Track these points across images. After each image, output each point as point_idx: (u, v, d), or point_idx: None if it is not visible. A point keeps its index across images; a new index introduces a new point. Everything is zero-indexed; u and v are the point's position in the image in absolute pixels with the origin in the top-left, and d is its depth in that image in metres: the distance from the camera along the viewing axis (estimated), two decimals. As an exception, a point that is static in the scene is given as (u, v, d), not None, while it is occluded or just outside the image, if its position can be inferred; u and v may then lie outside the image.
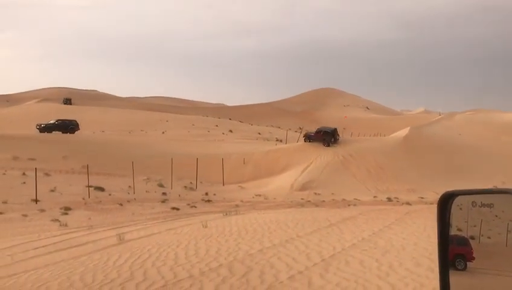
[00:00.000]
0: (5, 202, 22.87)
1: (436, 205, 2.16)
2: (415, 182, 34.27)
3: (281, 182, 34.81)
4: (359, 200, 27.63)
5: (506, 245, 2.00)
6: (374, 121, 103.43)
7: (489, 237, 2.07)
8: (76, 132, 49.98)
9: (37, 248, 11.51)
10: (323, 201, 27.29)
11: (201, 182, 33.70)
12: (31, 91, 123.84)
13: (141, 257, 8.99)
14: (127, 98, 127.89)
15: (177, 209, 22.93)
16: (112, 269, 8.20)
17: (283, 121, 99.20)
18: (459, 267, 2.11)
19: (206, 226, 12.90)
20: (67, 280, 7.64)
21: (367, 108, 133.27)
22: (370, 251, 8.77)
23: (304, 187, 33.02)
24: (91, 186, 27.56)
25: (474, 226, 2.11)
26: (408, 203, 24.66)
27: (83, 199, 25.20)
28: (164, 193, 29.10)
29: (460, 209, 2.14)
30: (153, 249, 9.82)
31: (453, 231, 2.14)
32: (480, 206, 2.08)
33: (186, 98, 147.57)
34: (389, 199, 28.49)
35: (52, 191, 26.47)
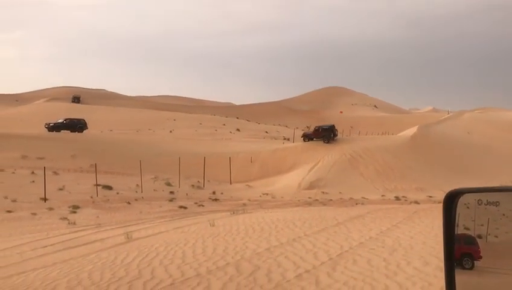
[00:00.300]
0: (14, 201, 23.08)
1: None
2: (423, 180, 34.09)
3: (289, 181, 34.79)
4: (367, 199, 27.54)
5: (514, 244, 1.99)
6: (382, 119, 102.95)
7: (496, 236, 2.06)
8: (84, 131, 50.25)
9: (45, 246, 11.60)
10: (331, 200, 27.23)
11: (208, 181, 33.76)
12: (39, 90, 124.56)
13: (149, 256, 9.03)
14: (135, 97, 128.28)
15: (185, 208, 23.00)
16: (120, 267, 8.25)
17: (290, 119, 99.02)
18: (466, 266, 2.10)
19: (213, 225, 12.93)
20: (75, 278, 7.69)
21: (375, 106, 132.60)
22: (378, 250, 8.74)
23: (311, 186, 32.97)
24: (99, 185, 27.71)
25: (482, 225, 2.09)
26: (416, 202, 24.55)
27: (91, 197, 25.35)
28: (172, 192, 29.20)
29: (468, 207, 2.12)
30: (161, 247, 9.86)
31: (460, 230, 2.13)
32: (486, 204, 2.06)
33: (194, 97, 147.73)
34: (397, 198, 28.37)
35: (61, 189, 26.65)
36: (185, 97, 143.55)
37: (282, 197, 28.81)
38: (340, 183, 33.14)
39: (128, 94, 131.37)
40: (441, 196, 26.65)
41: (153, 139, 50.36)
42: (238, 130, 68.30)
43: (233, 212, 17.42)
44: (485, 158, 43.03)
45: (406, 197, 28.62)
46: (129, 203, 24.15)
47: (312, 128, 47.38)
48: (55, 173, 31.11)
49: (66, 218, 18.57)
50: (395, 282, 6.68)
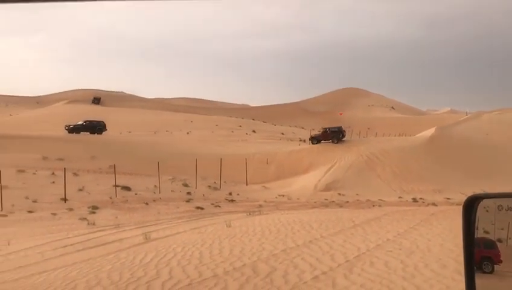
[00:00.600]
0: (35, 201, 23.50)
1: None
2: (441, 182, 33.69)
3: (305, 183, 34.71)
4: (384, 200, 27.33)
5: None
6: (399, 120, 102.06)
7: (516, 240, 2.05)
8: (103, 133, 50.87)
9: (65, 246, 11.79)
10: (348, 202, 27.09)
11: (225, 182, 33.89)
12: (59, 93, 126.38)
13: (167, 256, 9.12)
14: (153, 99, 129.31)
15: (202, 208, 23.13)
16: (138, 267, 8.35)
17: (307, 121, 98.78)
18: (486, 270, 2.09)
19: (229, 226, 12.98)
20: (94, 277, 7.81)
21: (392, 108, 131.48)
22: (395, 252, 8.68)
23: (327, 187, 32.85)
24: (118, 186, 28.03)
25: (502, 229, 2.09)
26: (434, 204, 24.27)
27: (110, 198, 25.66)
28: (189, 193, 29.39)
29: (487, 211, 2.12)
30: (178, 248, 9.94)
31: (479, 234, 2.13)
32: (507, 210, 2.06)
33: (210, 99, 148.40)
34: (415, 200, 28.08)
35: (80, 190, 27.04)
36: (202, 99, 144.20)
37: (298, 199, 28.76)
38: (357, 185, 32.94)
39: (147, 96, 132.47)
40: (459, 198, 26.36)
41: (171, 141, 50.75)
42: (254, 131, 68.41)
43: (250, 214, 17.46)
44: (504, 160, 42.30)
45: (423, 199, 28.31)
46: (147, 203, 24.39)
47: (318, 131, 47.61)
48: (75, 174, 31.57)
49: (85, 218, 18.83)
50: (412, 284, 6.63)
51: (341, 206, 23.79)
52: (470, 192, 2.27)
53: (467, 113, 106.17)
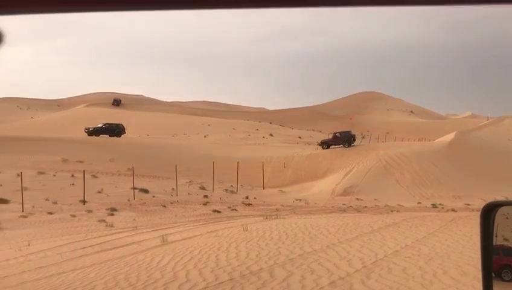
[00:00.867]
0: (55, 203, 23.88)
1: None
2: (460, 188, 33.17)
3: (322, 187, 34.54)
4: (402, 206, 27.02)
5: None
6: (419, 125, 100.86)
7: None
8: (122, 136, 51.48)
9: (84, 248, 11.94)
10: (366, 207, 26.85)
11: (241, 186, 33.93)
12: (80, 96, 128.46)
13: (184, 259, 9.17)
14: (171, 102, 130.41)
15: (218, 212, 23.19)
16: (156, 269, 8.41)
17: (325, 125, 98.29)
18: (506, 278, 2.07)
19: (246, 230, 12.99)
20: (113, 279, 7.90)
21: (411, 112, 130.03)
22: (413, 258, 8.58)
23: (345, 192, 32.63)
24: (136, 188, 28.31)
25: (522, 236, 2.06)
26: (453, 210, 23.88)
27: (128, 200, 25.91)
28: (206, 196, 29.51)
29: (507, 218, 2.09)
30: (195, 251, 9.99)
31: (498, 241, 2.10)
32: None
33: (228, 103, 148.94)
34: (434, 206, 27.68)
35: (99, 192, 27.38)
36: (219, 102, 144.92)
37: (315, 203, 28.62)
38: (375, 190, 32.64)
39: (165, 100, 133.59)
40: (479, 204, 25.92)
41: (188, 144, 51.07)
42: (271, 135, 68.38)
43: (266, 218, 17.44)
44: (528, 166, 41.42)
45: (442, 205, 27.90)
46: (165, 206, 24.56)
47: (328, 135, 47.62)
48: (94, 176, 31.99)
49: (103, 220, 19.05)
50: (431, 292, 6.55)
51: (359, 211, 23.59)
52: (490, 198, 2.24)
53: (488, 118, 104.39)
